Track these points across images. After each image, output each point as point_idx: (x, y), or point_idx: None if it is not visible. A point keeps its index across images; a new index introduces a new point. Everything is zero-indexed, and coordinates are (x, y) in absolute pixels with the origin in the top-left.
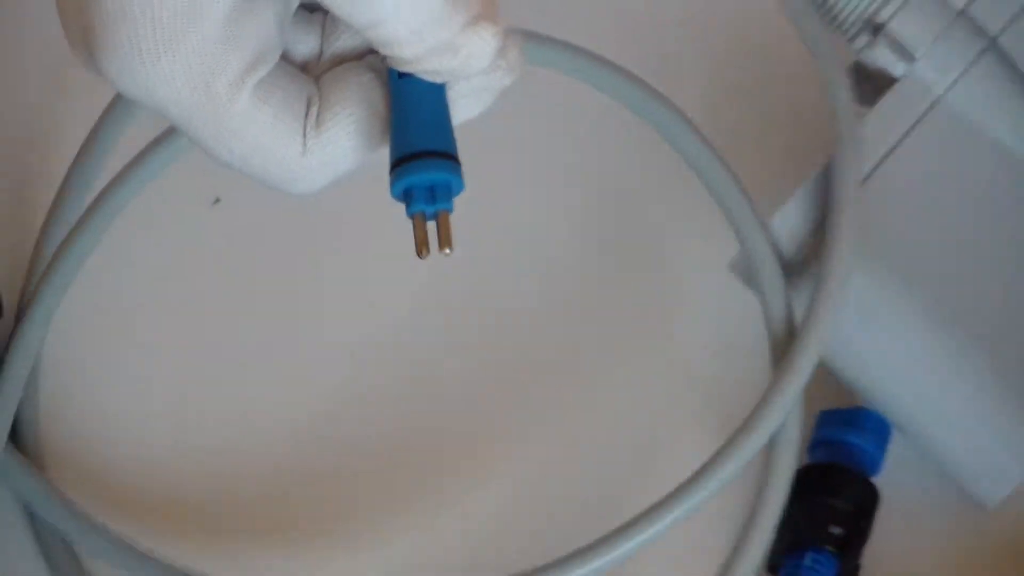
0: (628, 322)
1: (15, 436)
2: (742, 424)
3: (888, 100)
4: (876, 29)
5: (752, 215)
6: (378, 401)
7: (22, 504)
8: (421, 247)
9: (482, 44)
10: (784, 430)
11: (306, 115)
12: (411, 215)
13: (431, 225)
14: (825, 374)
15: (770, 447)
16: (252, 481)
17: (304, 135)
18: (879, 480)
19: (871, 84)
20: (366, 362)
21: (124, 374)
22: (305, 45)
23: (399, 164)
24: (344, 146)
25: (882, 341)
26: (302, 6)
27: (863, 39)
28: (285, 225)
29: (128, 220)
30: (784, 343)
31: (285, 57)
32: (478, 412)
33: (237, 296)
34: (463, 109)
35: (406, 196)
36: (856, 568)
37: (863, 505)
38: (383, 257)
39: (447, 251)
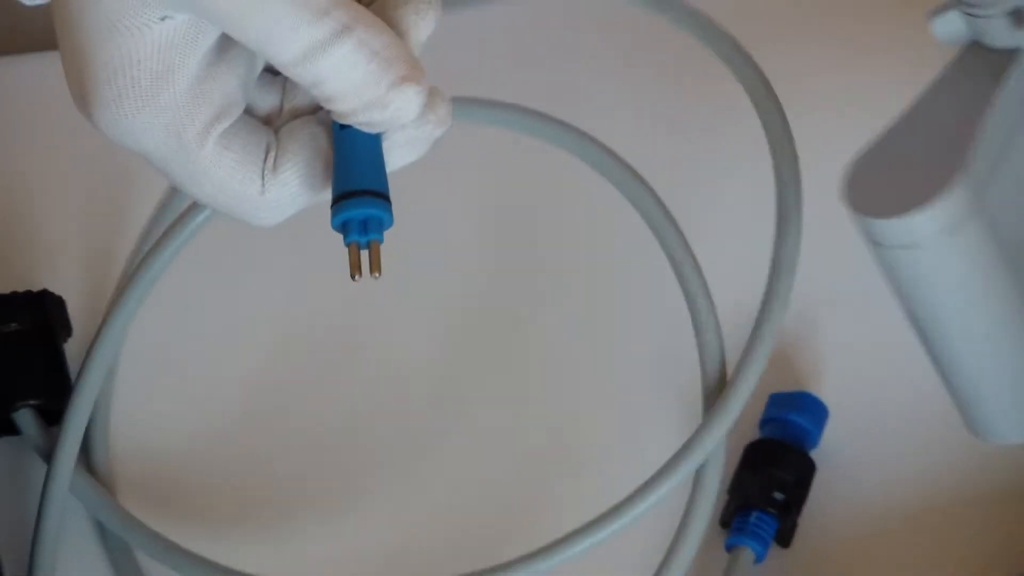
0: (578, 356)
1: (87, 453)
2: (669, 460)
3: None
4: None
5: (697, 276)
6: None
7: (91, 515)
8: (354, 271)
9: (407, 100)
10: (710, 461)
11: (264, 160)
12: (347, 244)
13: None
14: (779, 359)
15: (698, 473)
16: (303, 499)
17: (263, 177)
18: (816, 454)
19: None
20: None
21: (188, 399)
22: (268, 101)
23: (337, 201)
24: (296, 186)
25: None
26: (266, 69)
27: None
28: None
29: (195, 251)
30: (716, 390)
31: (251, 111)
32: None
33: (300, 323)
34: (400, 156)
35: (343, 228)
36: (793, 526)
37: (802, 476)
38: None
39: (376, 275)
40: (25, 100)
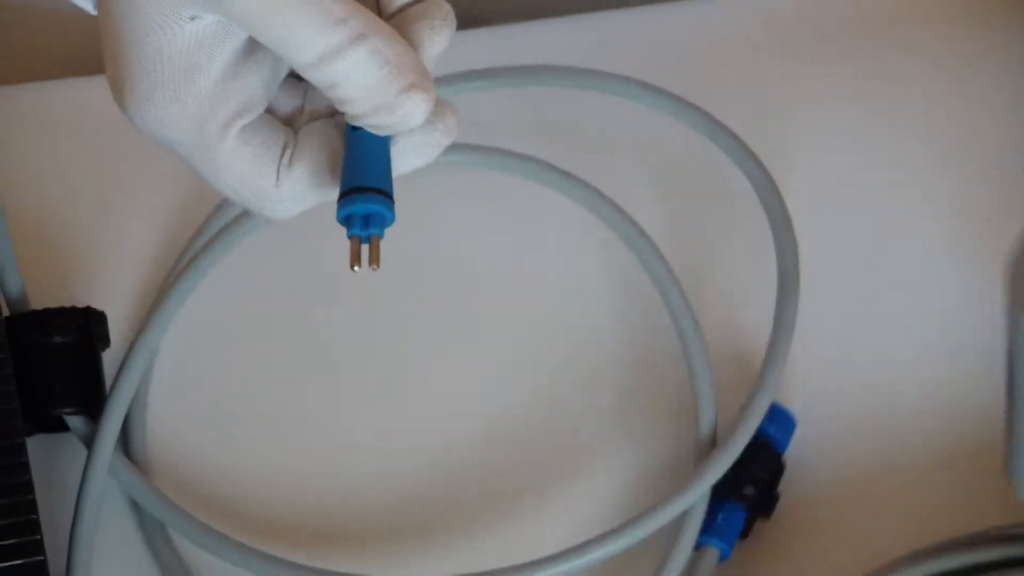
0: (576, 402)
1: (126, 442)
2: (654, 505)
3: None
4: None
5: (701, 348)
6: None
7: (128, 496)
8: (354, 262)
9: (414, 106)
10: (694, 507)
11: (281, 156)
12: (349, 237)
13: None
14: (755, 371)
15: (680, 520)
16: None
17: (278, 171)
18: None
19: None
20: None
21: (220, 396)
22: (290, 103)
23: (343, 196)
24: (308, 181)
25: None
26: (291, 74)
27: None
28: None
29: (239, 256)
30: (707, 447)
31: (274, 111)
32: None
33: (334, 326)
34: (409, 161)
35: (347, 222)
36: (770, 508)
37: (772, 473)
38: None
39: (374, 267)
40: (73, 121)
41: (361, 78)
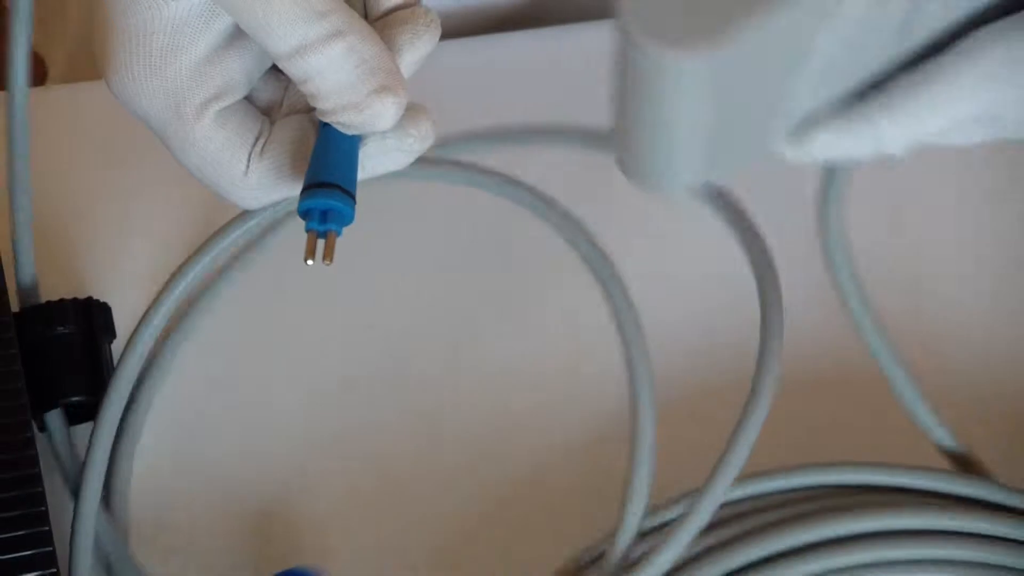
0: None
1: (107, 493)
2: None
3: None
4: None
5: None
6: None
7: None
8: (308, 256)
9: (383, 108)
10: None
11: (254, 144)
12: (307, 231)
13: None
14: None
15: None
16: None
17: (248, 158)
18: None
19: None
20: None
21: (211, 452)
22: (270, 95)
23: (305, 190)
24: (278, 173)
25: None
26: (275, 66)
27: None
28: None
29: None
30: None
31: (254, 100)
32: None
33: (331, 372)
34: (380, 164)
35: (305, 216)
36: None
37: None
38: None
39: (327, 262)
40: (95, 122)
41: (333, 74)
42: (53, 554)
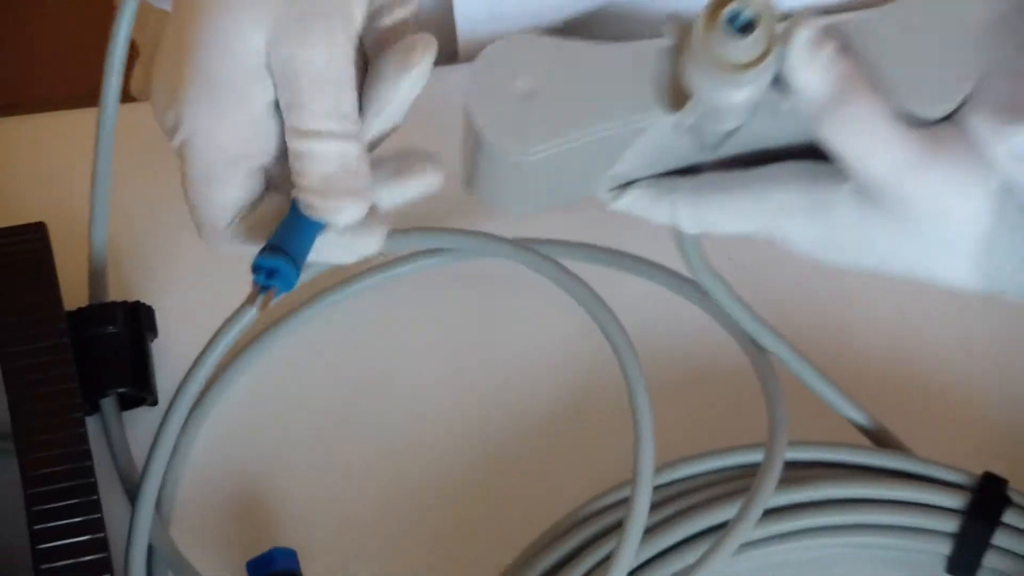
0: None
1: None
2: None
3: None
4: None
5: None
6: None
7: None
8: (248, 302)
9: (342, 208)
10: None
11: (247, 207)
12: (253, 284)
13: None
14: None
15: None
16: None
17: (235, 216)
18: None
19: None
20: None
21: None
22: (280, 169)
23: (263, 249)
24: (247, 236)
25: None
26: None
27: None
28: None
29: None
30: None
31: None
32: None
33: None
34: (333, 254)
35: (255, 270)
36: None
37: None
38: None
39: (260, 312)
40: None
41: (321, 162)
42: (105, 540)
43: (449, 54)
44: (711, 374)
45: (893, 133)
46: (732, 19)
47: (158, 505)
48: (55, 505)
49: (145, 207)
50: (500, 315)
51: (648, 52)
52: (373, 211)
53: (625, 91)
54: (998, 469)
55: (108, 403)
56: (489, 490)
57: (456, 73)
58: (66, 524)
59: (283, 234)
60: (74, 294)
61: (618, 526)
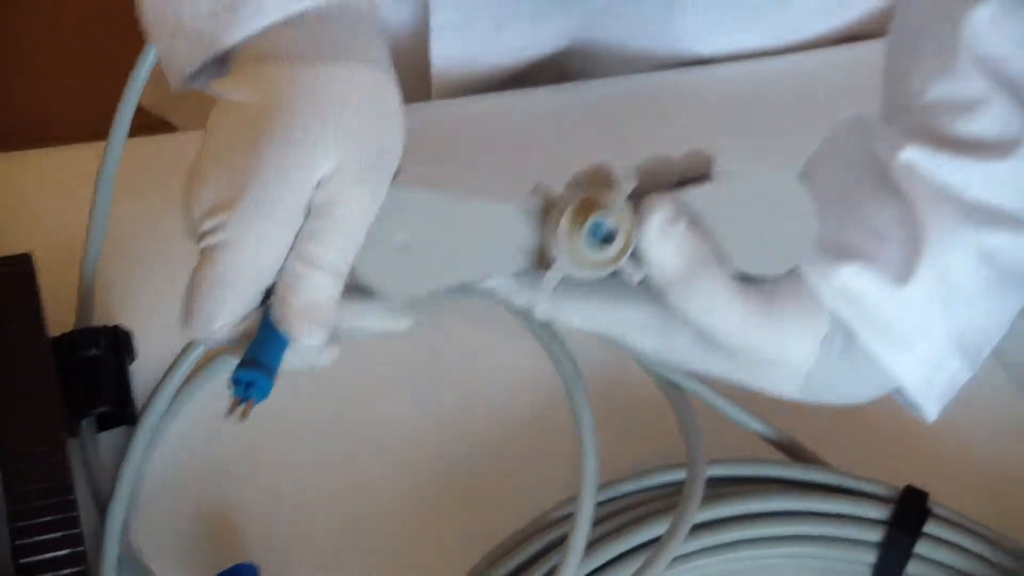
0: None
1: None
2: None
3: None
4: None
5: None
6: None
7: None
8: (229, 411)
9: (304, 332)
10: None
11: (237, 318)
12: (232, 396)
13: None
14: None
15: None
16: None
17: (225, 319)
18: None
19: None
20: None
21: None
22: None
23: (240, 363)
24: (234, 341)
25: None
26: None
27: None
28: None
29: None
30: None
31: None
32: None
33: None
34: (296, 359)
35: (233, 383)
36: None
37: None
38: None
39: (243, 420)
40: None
41: (309, 291)
42: (84, 555)
43: (424, 92)
44: (648, 399)
45: (735, 303)
46: (594, 230)
47: (127, 520)
48: (36, 521)
49: (124, 237)
50: (461, 342)
51: (516, 214)
52: (333, 334)
53: (492, 249)
54: (919, 483)
55: (87, 422)
56: (446, 508)
57: (429, 110)
58: (47, 539)
59: (257, 348)
60: (61, 319)
61: (562, 541)
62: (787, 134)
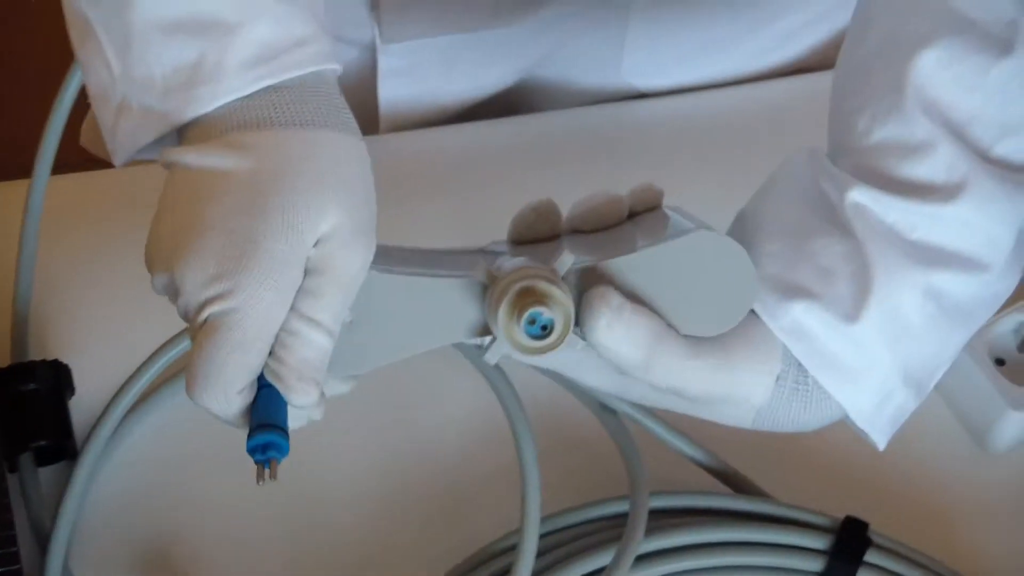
0: None
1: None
2: None
3: None
4: None
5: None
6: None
7: None
8: (258, 480)
9: (299, 393)
10: None
11: (237, 388)
12: (256, 463)
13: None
14: None
15: None
16: None
17: (248, 384)
18: None
19: None
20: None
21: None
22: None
23: (252, 431)
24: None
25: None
26: None
27: None
28: None
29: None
30: None
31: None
32: None
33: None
34: (293, 421)
35: (251, 451)
36: None
37: None
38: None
39: (270, 481)
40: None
41: (304, 349)
42: (20, 572)
43: (372, 126)
44: (593, 432)
45: (692, 363)
46: (531, 322)
47: (68, 554)
48: None
49: (58, 272)
50: (406, 375)
51: (459, 289)
52: (321, 393)
53: (437, 324)
54: (860, 513)
55: (25, 458)
56: (390, 540)
57: (376, 144)
58: None
59: (261, 411)
60: None
61: (506, 573)
62: (734, 163)
